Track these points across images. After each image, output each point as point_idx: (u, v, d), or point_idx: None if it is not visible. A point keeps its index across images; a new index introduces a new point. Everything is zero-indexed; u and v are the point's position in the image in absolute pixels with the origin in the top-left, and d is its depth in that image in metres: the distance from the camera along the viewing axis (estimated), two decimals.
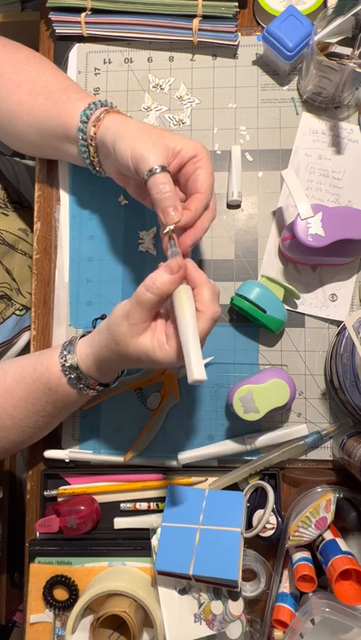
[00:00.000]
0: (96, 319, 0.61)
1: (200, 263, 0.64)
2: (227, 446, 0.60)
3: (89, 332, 0.54)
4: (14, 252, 0.70)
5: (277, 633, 0.53)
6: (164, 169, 0.48)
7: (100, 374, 0.53)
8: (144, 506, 0.61)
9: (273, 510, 0.56)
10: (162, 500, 0.60)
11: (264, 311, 0.57)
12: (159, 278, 0.45)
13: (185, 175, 0.51)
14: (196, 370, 0.41)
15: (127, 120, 0.53)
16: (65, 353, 0.53)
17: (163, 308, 0.49)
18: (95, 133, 0.54)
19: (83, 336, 0.54)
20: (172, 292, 0.46)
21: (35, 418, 0.55)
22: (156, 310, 0.47)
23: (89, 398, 0.57)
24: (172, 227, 0.48)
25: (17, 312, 0.71)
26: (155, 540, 0.55)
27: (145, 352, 0.46)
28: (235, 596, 0.52)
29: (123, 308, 0.47)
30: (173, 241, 0.49)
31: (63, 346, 0.54)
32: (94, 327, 0.58)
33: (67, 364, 0.52)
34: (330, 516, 0.53)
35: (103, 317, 0.63)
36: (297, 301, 0.62)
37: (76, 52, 0.68)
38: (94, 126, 0.53)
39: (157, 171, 0.47)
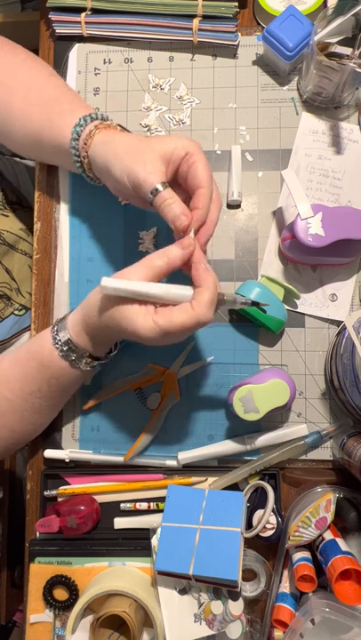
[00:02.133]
0: None
1: None
2: (227, 446, 0.60)
3: None
4: (14, 252, 0.70)
5: (277, 633, 0.53)
6: (164, 185, 0.49)
7: (91, 344, 0.53)
8: (144, 506, 0.61)
9: (273, 510, 0.56)
10: (162, 500, 0.60)
11: (264, 311, 0.57)
12: (172, 249, 0.48)
13: (182, 174, 0.51)
14: (106, 279, 0.47)
15: (116, 138, 0.52)
16: (56, 327, 0.54)
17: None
18: (87, 152, 0.54)
19: None
20: (177, 266, 0.48)
21: (31, 399, 0.56)
22: (158, 278, 0.48)
23: (82, 378, 0.58)
24: (192, 235, 0.49)
25: (16, 312, 0.71)
26: (155, 540, 0.55)
27: (136, 324, 0.47)
28: (235, 595, 0.52)
29: (127, 270, 0.48)
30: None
31: (56, 321, 0.55)
32: None
33: (58, 337, 0.53)
34: (330, 516, 0.53)
35: None
36: (297, 301, 0.62)
37: (76, 52, 0.68)
38: (85, 144, 0.54)
39: (160, 189, 0.49)
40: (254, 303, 0.50)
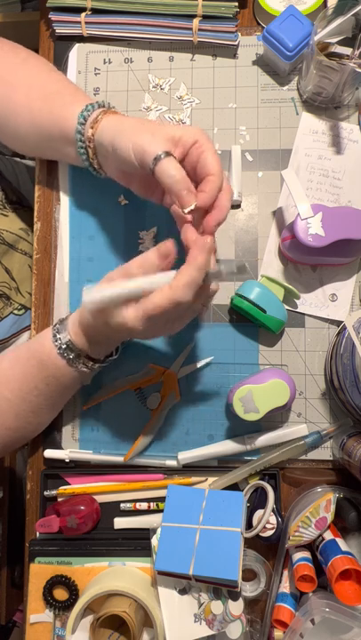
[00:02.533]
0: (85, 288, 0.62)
1: None
2: (227, 446, 0.60)
3: None
4: (14, 252, 0.70)
5: (277, 633, 0.53)
6: (168, 154, 0.47)
7: (89, 344, 0.53)
8: (144, 506, 0.61)
9: (273, 510, 0.56)
10: (162, 500, 0.60)
11: (264, 311, 0.57)
12: (148, 260, 0.47)
13: (191, 163, 0.50)
14: (88, 293, 0.47)
15: (124, 118, 0.53)
16: (57, 326, 0.54)
17: None
18: (93, 135, 0.53)
19: None
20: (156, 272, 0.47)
21: (29, 398, 0.56)
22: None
23: (81, 380, 0.58)
24: (192, 207, 0.48)
25: (15, 311, 0.71)
26: (155, 540, 0.55)
27: (121, 316, 0.47)
28: (235, 595, 0.52)
29: (110, 275, 0.48)
30: None
31: (58, 320, 0.55)
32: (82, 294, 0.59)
33: (58, 335, 0.53)
34: (330, 516, 0.53)
35: None
36: (297, 301, 0.62)
37: (76, 52, 0.68)
38: (92, 127, 0.53)
39: (162, 157, 0.47)
40: (240, 270, 0.48)
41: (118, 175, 0.56)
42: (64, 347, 0.53)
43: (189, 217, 0.49)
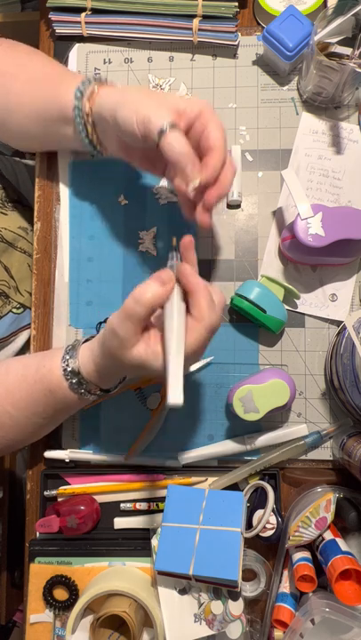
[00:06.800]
0: (100, 323, 0.61)
1: (200, 263, 0.64)
2: (227, 446, 0.60)
3: (93, 337, 0.54)
4: (13, 250, 0.70)
5: (277, 633, 0.53)
6: (173, 126, 0.46)
7: (100, 380, 0.52)
8: (144, 506, 0.61)
9: (273, 510, 0.56)
10: (162, 500, 0.60)
11: (264, 311, 0.57)
12: (149, 290, 0.44)
13: (195, 135, 0.49)
14: (172, 394, 0.41)
15: (126, 88, 0.52)
16: (67, 357, 0.52)
17: (157, 319, 0.47)
18: (91, 108, 0.52)
19: (86, 340, 0.54)
20: (163, 304, 0.45)
21: (34, 419, 0.55)
22: (145, 322, 0.45)
23: (89, 402, 0.57)
24: (196, 184, 0.46)
25: (14, 310, 0.70)
26: (155, 540, 0.55)
27: (142, 362, 0.46)
28: (235, 595, 0.52)
29: (111, 321, 0.46)
30: (176, 253, 0.48)
31: (66, 350, 0.53)
32: (98, 331, 0.58)
33: (68, 369, 0.51)
34: (330, 516, 0.53)
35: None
36: (297, 301, 0.62)
37: (76, 52, 0.68)
38: (89, 100, 0.52)
39: (167, 129, 0.46)
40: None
41: (119, 150, 0.55)
42: (75, 380, 0.52)
43: (192, 194, 0.48)
